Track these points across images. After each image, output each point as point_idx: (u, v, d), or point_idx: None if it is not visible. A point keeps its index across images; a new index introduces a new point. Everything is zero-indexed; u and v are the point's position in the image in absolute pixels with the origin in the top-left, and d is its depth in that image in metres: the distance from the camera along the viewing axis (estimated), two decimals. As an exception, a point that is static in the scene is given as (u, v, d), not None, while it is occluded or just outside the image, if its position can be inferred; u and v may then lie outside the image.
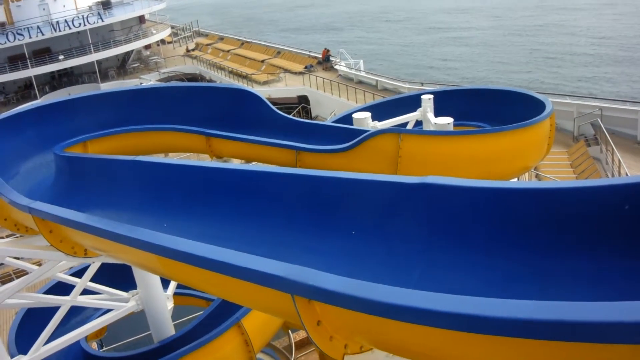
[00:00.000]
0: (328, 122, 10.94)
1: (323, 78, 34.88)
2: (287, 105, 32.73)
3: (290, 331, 15.19)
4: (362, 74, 35.19)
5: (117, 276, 9.68)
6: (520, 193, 3.71)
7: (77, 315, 10.14)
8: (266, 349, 16.04)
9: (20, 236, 7.78)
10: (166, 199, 5.82)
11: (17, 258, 8.27)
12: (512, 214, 3.71)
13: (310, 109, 34.89)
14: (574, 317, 2.22)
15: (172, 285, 9.83)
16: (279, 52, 45.45)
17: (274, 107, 9.27)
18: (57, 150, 7.51)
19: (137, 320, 11.68)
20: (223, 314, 8.88)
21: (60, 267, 8.22)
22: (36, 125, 8.14)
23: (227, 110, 9.21)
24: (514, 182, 3.82)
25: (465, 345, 2.68)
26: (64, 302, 8.35)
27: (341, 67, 37.03)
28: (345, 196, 4.48)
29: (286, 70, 39.93)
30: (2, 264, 9.44)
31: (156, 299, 9.22)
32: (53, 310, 8.44)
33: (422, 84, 30.37)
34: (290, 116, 9.48)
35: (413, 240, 3.99)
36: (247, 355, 8.55)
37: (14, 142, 7.75)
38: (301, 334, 16.76)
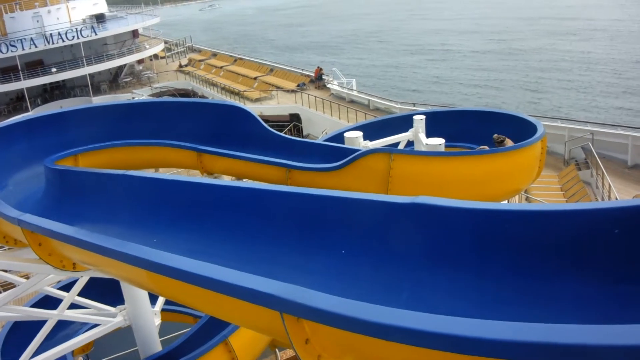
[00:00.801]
0: (319, 141, 10.98)
1: (315, 96, 34.99)
2: (279, 123, 32.80)
3: (277, 350, 15.08)
4: (355, 93, 35.31)
5: (105, 291, 9.63)
6: (511, 215, 3.74)
7: (64, 329, 10.06)
8: (252, 367, 15.94)
9: (9, 249, 7.75)
10: (156, 214, 5.81)
11: (5, 271, 8.23)
12: (502, 236, 3.73)
13: (302, 127, 34.96)
14: (561, 339, 2.24)
15: (160, 301, 9.78)
16: (271, 70, 45.61)
17: (265, 125, 9.30)
18: (48, 163, 7.49)
19: (124, 335, 11.60)
20: (210, 331, 8.83)
21: (48, 281, 8.17)
22: (27, 138, 8.13)
23: (219, 126, 9.23)
24: (504, 204, 3.85)
25: None
26: (51, 316, 8.30)
27: (333, 86, 37.17)
28: (335, 215, 4.49)
29: (279, 88, 40.02)
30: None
31: (144, 314, 9.15)
32: (40, 323, 8.38)
33: (414, 105, 30.51)
34: (282, 134, 9.52)
35: (403, 260, 4.00)
36: (234, 373, 8.50)
37: (4, 154, 7.73)
38: (288, 353, 16.65)
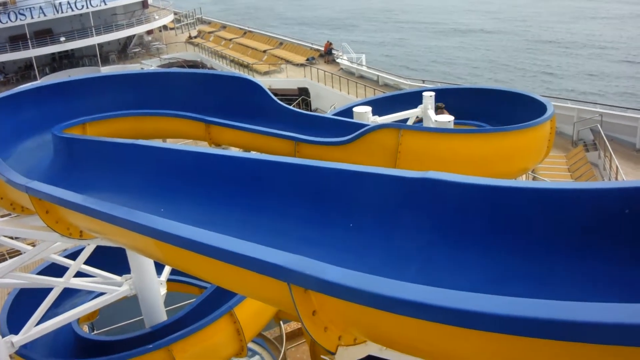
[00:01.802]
0: (328, 115, 10.91)
1: (324, 71, 34.78)
2: (287, 96, 32.66)
3: (281, 322, 15.20)
4: (364, 68, 35.04)
5: (111, 260, 9.67)
6: (520, 192, 3.71)
7: (69, 298, 10.14)
8: (257, 339, 16.04)
9: (16, 216, 7.77)
10: (164, 184, 5.79)
11: (12, 238, 8.27)
12: (511, 213, 3.71)
13: (310, 101, 34.82)
14: (564, 316, 2.23)
15: (166, 271, 9.82)
16: (281, 43, 45.30)
17: (274, 97, 9.24)
18: (56, 131, 7.47)
19: (128, 305, 11.68)
20: (216, 302, 8.88)
21: (54, 249, 8.21)
22: (35, 106, 8.11)
23: (228, 98, 9.18)
24: (514, 181, 3.80)
25: (458, 341, 2.68)
26: (57, 284, 8.34)
27: (343, 60, 36.90)
28: (344, 188, 4.46)
29: (288, 62, 39.81)
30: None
31: (149, 284, 9.22)
32: (46, 291, 8.43)
33: (423, 82, 30.28)
34: (291, 107, 9.45)
35: (411, 235, 3.99)
36: (239, 344, 8.57)
37: (12, 122, 7.72)
38: (292, 325, 16.78)
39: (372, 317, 2.97)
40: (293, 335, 16.57)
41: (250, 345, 11.84)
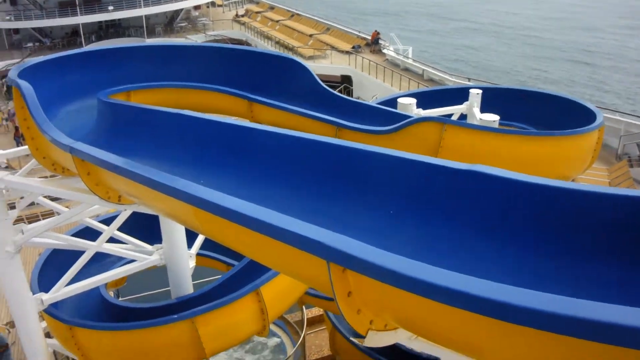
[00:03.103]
0: (372, 103, 10.81)
1: (369, 60, 34.57)
2: (329, 83, 32.53)
3: (304, 307, 15.23)
4: (410, 61, 34.70)
5: (143, 230, 9.77)
6: (571, 194, 3.61)
7: (98, 263, 10.26)
8: (277, 321, 16.13)
9: (57, 177, 7.87)
10: (205, 156, 5.79)
11: (50, 199, 8.39)
12: (557, 213, 3.62)
13: (352, 89, 34.67)
14: (602, 317, 2.18)
15: (196, 244, 9.89)
16: (328, 29, 45.11)
17: (319, 80, 9.16)
18: (102, 96, 7.52)
19: (153, 277, 11.79)
20: (242, 280, 8.91)
21: (89, 212, 8.31)
22: (82, 70, 8.17)
23: (272, 77, 9.13)
24: (565, 182, 3.70)
25: (494, 335, 2.62)
26: (90, 247, 8.47)
27: (389, 51, 36.61)
28: (388, 174, 4.40)
29: (333, 48, 39.63)
30: (31, 204, 9.58)
31: (179, 255, 9.29)
32: (76, 254, 8.57)
33: (468, 79, 29.90)
34: (335, 92, 9.36)
35: (451, 226, 3.92)
36: (261, 324, 8.59)
37: (58, 84, 7.79)
38: (314, 312, 16.81)
39: (408, 303, 2.93)
40: (314, 321, 16.62)
41: (271, 326, 11.89)
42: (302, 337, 14.71)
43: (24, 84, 6.73)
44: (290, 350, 15.22)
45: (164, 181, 4.41)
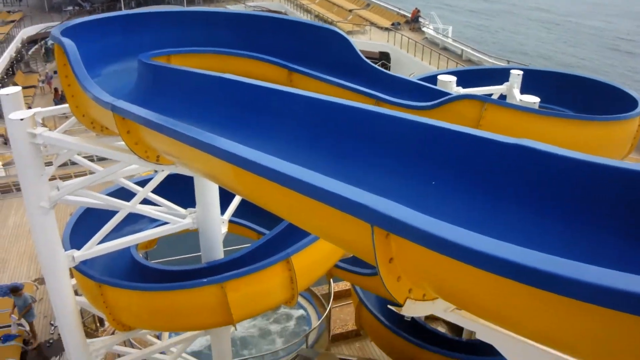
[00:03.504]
0: (412, 78, 10.68)
1: (409, 38, 34.19)
2: (367, 59, 32.23)
3: (332, 280, 15.30)
4: (449, 40, 34.27)
5: (177, 194, 9.84)
6: (621, 173, 3.51)
7: (130, 224, 10.37)
8: (304, 293, 16.26)
9: (94, 135, 7.96)
10: (247, 121, 5.77)
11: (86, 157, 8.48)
12: (607, 192, 3.53)
13: (390, 66, 34.34)
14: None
15: (230, 210, 9.93)
16: (368, 5, 44.67)
17: (360, 53, 9.07)
18: (143, 58, 7.54)
19: (181, 242, 11.89)
20: (273, 248, 8.94)
21: (124, 173, 8.38)
22: (124, 32, 8.20)
23: (313, 48, 9.06)
24: (616, 161, 3.59)
25: (537, 306, 2.58)
26: (124, 207, 8.55)
27: (429, 30, 36.16)
28: (432, 144, 4.34)
29: (372, 24, 39.26)
30: (64, 164, 9.71)
31: (212, 220, 9.35)
32: (109, 214, 8.66)
33: (508, 62, 29.38)
34: (375, 65, 9.26)
35: (494, 200, 3.86)
36: (290, 293, 8.62)
37: (100, 44, 7.83)
38: (341, 285, 16.88)
39: (451, 271, 2.90)
40: (340, 295, 16.70)
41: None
42: (328, 309, 14.79)
43: (67, 42, 6.77)
44: (315, 322, 15.34)
45: (207, 140, 4.41)
